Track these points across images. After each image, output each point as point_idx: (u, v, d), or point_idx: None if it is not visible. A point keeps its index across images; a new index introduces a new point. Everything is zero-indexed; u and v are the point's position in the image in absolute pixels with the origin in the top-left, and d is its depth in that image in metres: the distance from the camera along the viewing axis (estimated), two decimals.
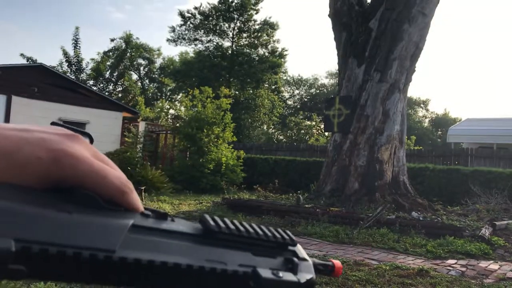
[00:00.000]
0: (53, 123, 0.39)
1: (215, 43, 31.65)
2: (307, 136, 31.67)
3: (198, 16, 31.37)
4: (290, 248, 0.41)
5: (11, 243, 0.26)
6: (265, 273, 0.36)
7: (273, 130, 36.34)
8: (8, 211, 0.28)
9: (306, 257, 0.42)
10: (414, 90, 70.84)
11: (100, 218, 0.32)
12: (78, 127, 0.39)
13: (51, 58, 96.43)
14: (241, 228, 0.38)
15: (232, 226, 0.37)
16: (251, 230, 0.39)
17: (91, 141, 0.39)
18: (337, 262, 0.47)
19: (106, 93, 27.17)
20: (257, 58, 30.95)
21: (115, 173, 0.36)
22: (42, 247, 0.28)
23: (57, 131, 0.36)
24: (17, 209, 0.28)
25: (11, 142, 0.33)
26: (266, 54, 31.63)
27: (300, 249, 0.42)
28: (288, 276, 0.37)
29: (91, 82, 30.32)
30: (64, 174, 0.33)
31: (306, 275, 0.39)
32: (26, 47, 76.45)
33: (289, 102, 42.70)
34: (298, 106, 42.10)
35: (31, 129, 0.34)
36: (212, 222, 0.36)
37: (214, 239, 0.36)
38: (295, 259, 0.39)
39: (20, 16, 61.37)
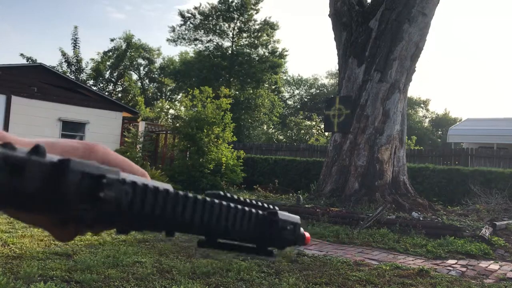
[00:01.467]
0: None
1: (215, 43, 31.64)
2: (307, 136, 31.67)
3: (198, 16, 31.35)
4: None
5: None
6: None
7: (273, 130, 36.32)
8: None
9: None
10: (414, 90, 70.72)
11: None
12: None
13: (51, 58, 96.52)
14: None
15: None
16: None
17: None
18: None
19: (106, 93, 27.15)
20: (257, 58, 30.92)
21: (136, 165, 0.44)
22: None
23: (79, 141, 0.42)
24: None
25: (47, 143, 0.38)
26: (266, 54, 31.59)
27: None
28: None
29: (91, 82, 30.31)
30: (98, 160, 0.39)
31: None
32: (26, 47, 76.43)
33: (289, 102, 42.69)
34: (298, 106, 42.09)
35: (56, 140, 0.40)
36: None
37: None
38: None
39: (19, 16, 61.36)
